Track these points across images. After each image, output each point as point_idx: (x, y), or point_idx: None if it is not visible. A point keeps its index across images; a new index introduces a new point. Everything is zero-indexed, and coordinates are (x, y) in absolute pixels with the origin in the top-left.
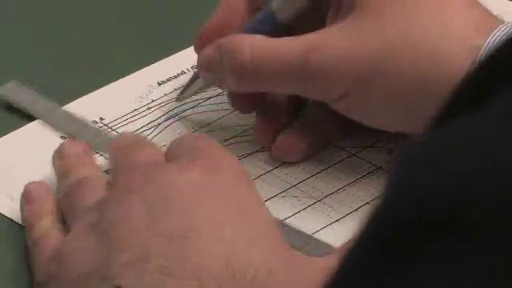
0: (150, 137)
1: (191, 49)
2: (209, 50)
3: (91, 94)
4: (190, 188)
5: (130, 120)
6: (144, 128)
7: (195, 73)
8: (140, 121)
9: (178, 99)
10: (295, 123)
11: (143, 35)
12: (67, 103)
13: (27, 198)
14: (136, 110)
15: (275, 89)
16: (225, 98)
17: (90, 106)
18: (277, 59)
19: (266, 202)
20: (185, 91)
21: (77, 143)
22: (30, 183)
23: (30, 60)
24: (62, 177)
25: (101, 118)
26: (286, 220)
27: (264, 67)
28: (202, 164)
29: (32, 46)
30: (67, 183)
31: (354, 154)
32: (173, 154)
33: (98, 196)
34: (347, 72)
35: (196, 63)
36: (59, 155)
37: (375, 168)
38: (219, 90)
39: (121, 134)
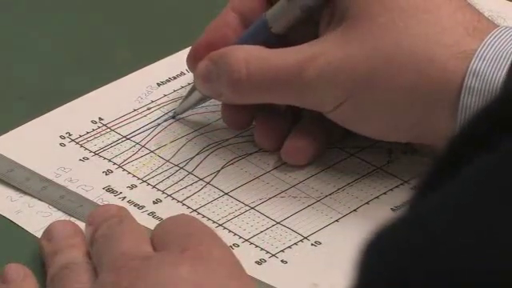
0: (149, 137)
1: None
2: (204, 63)
3: (90, 94)
4: (182, 285)
5: (129, 120)
6: (143, 128)
7: (192, 86)
8: (139, 121)
9: (175, 112)
10: (299, 126)
11: (143, 35)
12: (66, 103)
13: (3, 278)
14: (135, 110)
15: (271, 100)
16: None
17: (89, 106)
18: (272, 70)
19: (266, 203)
20: (183, 104)
21: (65, 224)
22: (9, 265)
23: (29, 60)
24: (49, 259)
25: (100, 118)
26: (285, 220)
27: (259, 78)
28: (193, 255)
29: (32, 45)
30: (52, 267)
31: (353, 155)
32: (161, 241)
33: (83, 284)
34: (341, 83)
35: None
36: (47, 236)
37: (375, 168)
38: None
39: (101, 207)
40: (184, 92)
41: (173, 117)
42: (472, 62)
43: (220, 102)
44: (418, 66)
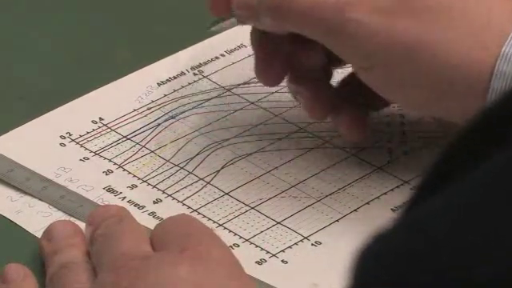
0: (149, 137)
1: (191, 49)
2: None
3: (91, 94)
4: (182, 286)
5: (129, 120)
6: (143, 128)
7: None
8: (139, 121)
9: (208, 28)
10: (349, 97)
11: (143, 35)
12: (66, 103)
13: (3, 278)
14: (135, 110)
15: (309, 33)
16: (225, 99)
17: (89, 106)
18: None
19: (266, 203)
20: (217, 24)
21: (65, 224)
22: (9, 265)
23: (29, 60)
24: (48, 259)
25: (100, 118)
26: (286, 220)
27: (300, 6)
28: (193, 255)
29: (32, 45)
30: (51, 267)
31: (353, 155)
32: (160, 241)
33: (82, 284)
34: (381, 42)
35: (195, 62)
36: (47, 236)
37: (375, 168)
38: (219, 92)
39: (101, 207)
40: (185, 92)
41: (172, 117)
42: (505, 46)
43: (220, 103)
44: (466, 47)
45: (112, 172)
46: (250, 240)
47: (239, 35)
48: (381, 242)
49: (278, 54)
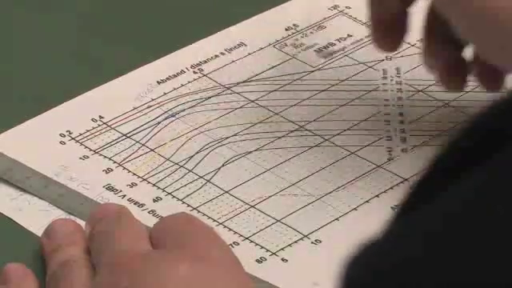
0: (149, 135)
1: (191, 47)
2: None
3: (91, 92)
4: (182, 285)
5: (129, 118)
6: (143, 126)
7: None
8: (139, 119)
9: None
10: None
11: (143, 33)
12: (66, 101)
13: (3, 278)
14: (135, 108)
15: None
16: (225, 98)
17: (89, 105)
18: None
19: (266, 201)
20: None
21: (66, 222)
22: (9, 264)
23: (29, 59)
24: (49, 257)
25: (100, 117)
26: (286, 218)
27: None
28: (193, 254)
29: (32, 45)
30: (52, 265)
31: (353, 153)
32: (160, 239)
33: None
34: None
35: (195, 60)
36: (47, 234)
37: (375, 166)
38: (219, 90)
39: (100, 205)
40: (185, 90)
41: (172, 115)
42: None
43: (220, 101)
44: None
45: (112, 170)
46: (250, 238)
47: (239, 33)
48: (373, 249)
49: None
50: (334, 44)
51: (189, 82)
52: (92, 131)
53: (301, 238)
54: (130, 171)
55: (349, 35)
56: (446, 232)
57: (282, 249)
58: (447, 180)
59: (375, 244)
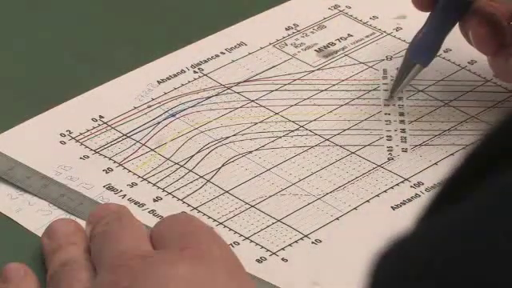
0: (149, 135)
1: (191, 47)
2: None
3: (91, 92)
4: (182, 285)
5: (129, 118)
6: (144, 126)
7: (402, 65)
8: (140, 119)
9: (391, 96)
10: None
11: (143, 33)
12: (67, 101)
13: (3, 278)
14: (136, 108)
15: None
16: (225, 98)
17: (89, 104)
18: None
19: (266, 201)
20: (398, 84)
21: (66, 222)
22: (9, 264)
23: (29, 58)
24: (49, 257)
25: (100, 116)
26: (286, 218)
27: None
28: (193, 254)
29: (32, 45)
30: (52, 265)
31: (353, 153)
32: (160, 239)
33: (82, 283)
34: None
35: (195, 60)
36: (48, 234)
37: (375, 166)
38: (219, 90)
39: (101, 205)
40: (185, 90)
41: (172, 115)
42: None
43: (220, 101)
44: None
45: (112, 170)
46: (250, 238)
47: (239, 33)
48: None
49: None
50: (334, 44)
51: (189, 82)
52: (92, 131)
53: (301, 238)
54: (130, 171)
55: (349, 35)
56: (479, 231)
57: (283, 248)
58: (477, 179)
59: (405, 241)
